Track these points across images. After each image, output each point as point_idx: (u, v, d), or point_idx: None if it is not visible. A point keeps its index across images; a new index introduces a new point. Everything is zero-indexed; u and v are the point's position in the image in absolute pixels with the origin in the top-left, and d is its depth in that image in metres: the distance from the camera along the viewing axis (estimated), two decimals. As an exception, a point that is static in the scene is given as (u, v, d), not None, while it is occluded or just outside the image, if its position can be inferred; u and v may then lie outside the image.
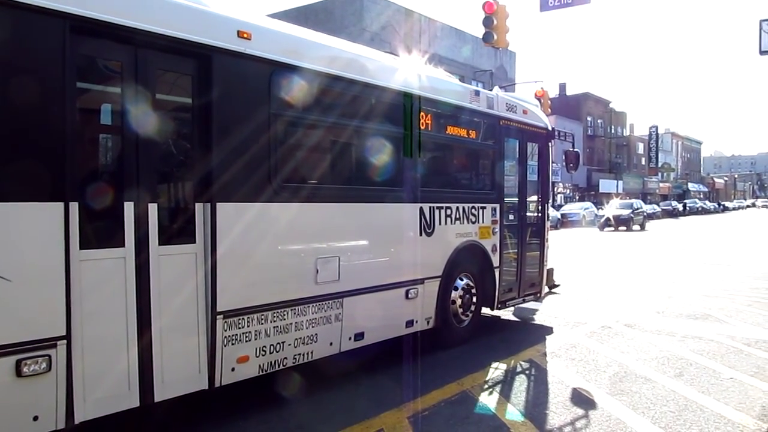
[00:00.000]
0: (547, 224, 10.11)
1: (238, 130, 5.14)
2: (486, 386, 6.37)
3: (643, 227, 41.85)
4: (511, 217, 9.17)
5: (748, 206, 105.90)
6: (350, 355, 6.39)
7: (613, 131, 75.58)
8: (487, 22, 16.00)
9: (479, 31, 16.47)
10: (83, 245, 4.16)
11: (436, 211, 7.45)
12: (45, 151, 4.02)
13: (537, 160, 9.96)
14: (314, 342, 5.86)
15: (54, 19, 4.00)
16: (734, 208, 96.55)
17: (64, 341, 4.01)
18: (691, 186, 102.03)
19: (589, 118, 70.27)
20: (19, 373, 3.81)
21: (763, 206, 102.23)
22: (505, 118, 8.79)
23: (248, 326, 5.21)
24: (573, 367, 7.06)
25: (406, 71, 7.22)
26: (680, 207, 71.06)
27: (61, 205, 4.02)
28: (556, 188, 54.76)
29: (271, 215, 5.50)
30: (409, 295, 7.03)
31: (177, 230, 4.87)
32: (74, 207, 4.10)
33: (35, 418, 3.93)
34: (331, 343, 6.07)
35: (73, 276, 4.07)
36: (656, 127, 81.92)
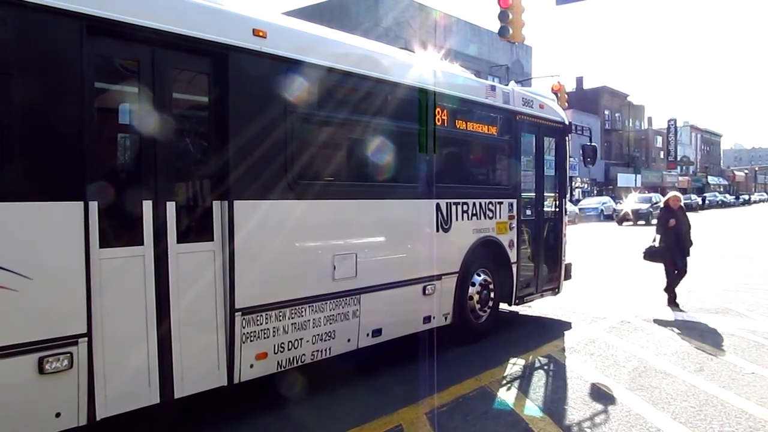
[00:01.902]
0: (565, 219, 10.05)
1: (254, 128, 5.16)
2: (504, 382, 6.36)
3: (662, 221, 41.39)
4: (528, 212, 9.13)
5: (759, 201, 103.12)
6: (367, 351, 6.40)
7: (630, 125, 75.01)
8: (503, 16, 15.94)
9: (495, 25, 16.42)
10: (103, 244, 4.21)
11: (453, 207, 7.44)
12: (64, 152, 4.06)
13: (554, 154, 9.92)
14: (332, 339, 5.88)
15: (71, 20, 4.04)
16: (755, 201, 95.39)
17: (85, 339, 4.06)
18: (711, 179, 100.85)
19: (606, 112, 69.69)
20: (41, 370, 3.86)
21: None
22: (521, 112, 8.74)
23: (266, 323, 5.24)
24: (592, 362, 7.02)
25: (421, 67, 7.20)
26: (699, 201, 70.28)
27: (80, 204, 4.07)
28: (573, 183, 54.43)
29: (288, 212, 5.52)
30: (427, 291, 7.02)
31: (195, 228, 4.91)
32: (93, 206, 4.14)
33: (57, 415, 3.99)
34: (348, 340, 6.09)
35: (93, 274, 4.12)
36: (675, 120, 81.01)
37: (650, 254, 10.72)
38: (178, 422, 5.03)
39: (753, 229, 33.82)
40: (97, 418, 4.17)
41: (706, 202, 72.65)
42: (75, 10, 4.03)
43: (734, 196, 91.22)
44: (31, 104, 3.91)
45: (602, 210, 44.64)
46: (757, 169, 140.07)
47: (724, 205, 78.41)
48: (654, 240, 10.70)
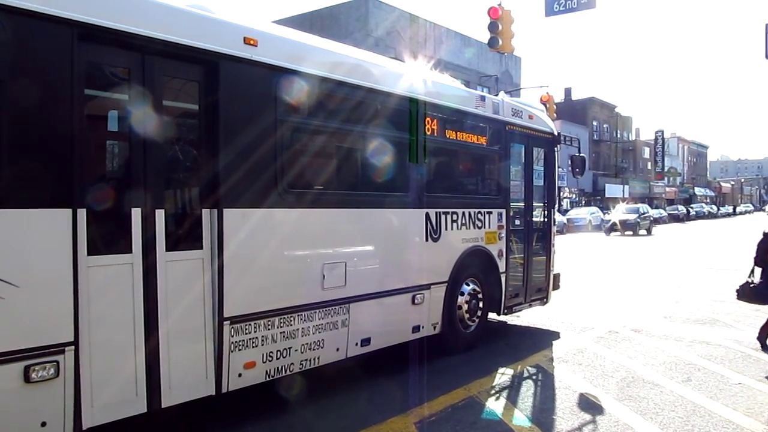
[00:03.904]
0: (554, 229, 10.08)
1: (245, 136, 5.16)
2: (493, 391, 6.36)
3: (649, 232, 41.73)
4: (517, 222, 9.15)
5: (754, 210, 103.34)
6: (357, 360, 6.38)
7: (618, 136, 75.54)
8: (493, 27, 16.06)
9: (484, 36, 16.52)
10: (91, 251, 4.18)
11: (442, 217, 7.45)
12: (53, 158, 4.04)
13: (543, 165, 9.96)
14: (321, 348, 5.86)
15: (62, 27, 4.02)
16: (740, 213, 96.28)
17: (72, 347, 4.02)
18: (698, 190, 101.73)
19: (594, 123, 70.18)
20: (27, 379, 3.82)
21: None
22: (510, 123, 8.78)
23: (255, 332, 5.21)
24: (580, 372, 7.04)
25: (411, 76, 7.23)
26: (685, 211, 70.86)
27: (68, 211, 4.04)
28: (562, 193, 54.68)
29: (278, 221, 5.51)
30: (416, 301, 7.02)
31: (184, 236, 4.89)
32: (82, 213, 4.12)
33: (43, 424, 3.94)
34: (337, 349, 6.07)
35: (81, 282, 4.08)
36: (662, 132, 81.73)
37: (748, 294, 8.31)
38: (164, 428, 4.99)
39: (739, 239, 34.06)
40: (84, 428, 4.13)
41: (692, 213, 73.14)
42: (66, 17, 4.02)
43: (721, 207, 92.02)
44: (20, 110, 3.88)
45: (590, 220, 44.86)
46: (743, 180, 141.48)
47: (711, 216, 79.18)
48: (751, 274, 8.33)
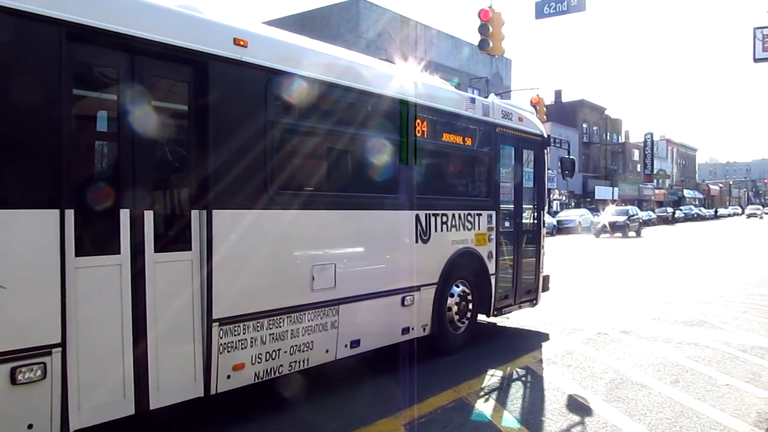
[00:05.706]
0: (543, 231, 10.11)
1: (235, 137, 5.14)
2: (482, 393, 6.36)
3: (638, 234, 41.93)
4: (507, 223, 9.17)
5: (733, 214, 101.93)
6: (346, 362, 6.37)
7: (608, 138, 75.84)
8: (483, 29, 16.11)
9: (475, 38, 16.56)
10: (79, 252, 4.16)
11: (432, 218, 7.46)
12: (41, 159, 4.02)
13: (533, 166, 9.99)
14: (310, 349, 5.85)
15: (50, 26, 4.00)
16: (728, 215, 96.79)
17: (59, 349, 3.99)
18: (687, 193, 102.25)
19: (584, 125, 70.42)
20: (13, 380, 3.79)
21: (751, 215, 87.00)
22: (500, 125, 8.80)
23: (244, 333, 5.20)
24: (569, 373, 7.06)
25: (402, 78, 7.23)
26: (671, 213, 71.22)
27: (56, 212, 4.01)
28: (551, 195, 54.87)
29: (267, 222, 5.49)
30: (405, 302, 7.02)
31: (173, 237, 4.87)
32: (70, 214, 4.09)
33: (30, 426, 3.91)
34: (327, 351, 6.06)
35: (69, 283, 4.06)
36: (651, 134, 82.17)
37: None
38: (158, 430, 4.97)
39: (727, 242, 34.29)
40: (71, 430, 4.10)
41: (678, 215, 73.34)
42: (54, 17, 4.00)
43: (711, 210, 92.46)
44: (7, 110, 3.85)
45: (580, 222, 45.00)
46: (731, 183, 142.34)
47: (699, 218, 79.65)
48: None
